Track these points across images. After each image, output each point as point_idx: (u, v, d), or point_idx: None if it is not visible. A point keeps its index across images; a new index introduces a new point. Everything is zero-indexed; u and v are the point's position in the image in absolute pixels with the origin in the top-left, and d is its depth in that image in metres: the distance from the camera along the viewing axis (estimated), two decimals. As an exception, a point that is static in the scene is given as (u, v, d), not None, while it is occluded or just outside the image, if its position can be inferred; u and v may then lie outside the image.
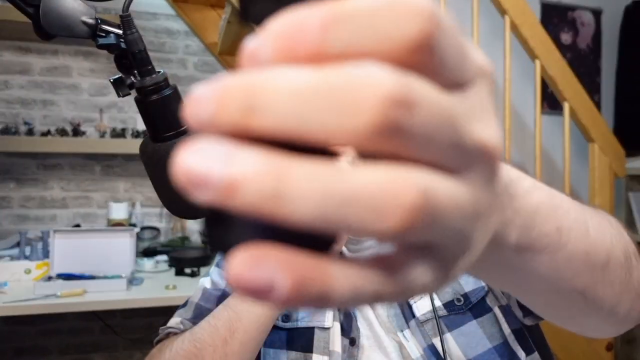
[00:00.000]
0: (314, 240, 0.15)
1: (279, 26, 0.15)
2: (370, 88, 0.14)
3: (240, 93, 0.14)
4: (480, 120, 0.18)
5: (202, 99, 0.14)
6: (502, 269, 0.29)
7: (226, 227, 0.16)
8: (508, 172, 0.26)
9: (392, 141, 0.14)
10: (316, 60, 0.14)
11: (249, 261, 0.14)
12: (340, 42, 0.14)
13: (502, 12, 1.77)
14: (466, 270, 0.22)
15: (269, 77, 0.14)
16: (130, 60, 0.51)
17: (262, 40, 0.15)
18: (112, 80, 0.52)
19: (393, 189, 0.14)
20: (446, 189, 0.16)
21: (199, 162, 0.14)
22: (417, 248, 0.17)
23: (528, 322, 0.69)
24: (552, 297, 0.34)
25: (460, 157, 0.17)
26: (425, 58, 0.15)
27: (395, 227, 0.14)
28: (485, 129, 0.18)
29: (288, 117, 0.14)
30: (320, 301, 0.15)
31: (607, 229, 0.37)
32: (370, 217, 0.14)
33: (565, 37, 2.44)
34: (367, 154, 0.15)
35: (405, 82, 0.14)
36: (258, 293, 0.14)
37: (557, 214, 0.30)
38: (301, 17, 0.14)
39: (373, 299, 0.16)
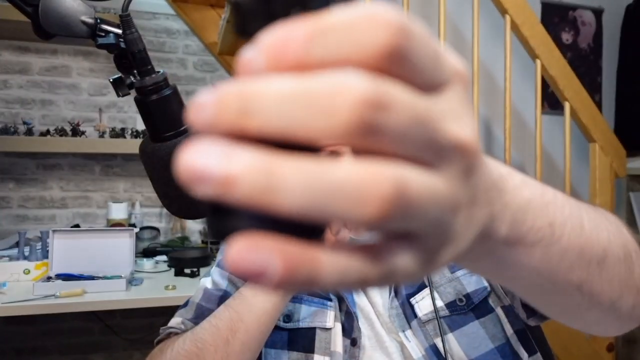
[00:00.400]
0: (306, 229, 0.17)
1: (269, 39, 0.17)
2: (346, 92, 0.16)
3: (235, 98, 0.16)
4: (455, 119, 0.19)
5: (203, 104, 0.17)
6: (495, 262, 0.30)
7: (226, 218, 0.18)
8: (498, 168, 0.27)
9: (368, 139, 0.16)
10: (301, 69, 0.17)
11: (246, 247, 0.16)
12: (321, 52, 0.16)
13: (503, 11, 1.77)
14: (455, 261, 0.24)
15: (260, 85, 0.16)
16: (130, 60, 0.51)
17: (254, 52, 0.17)
18: (111, 80, 0.52)
19: (370, 181, 0.16)
20: (421, 181, 0.17)
21: (199, 160, 0.16)
22: (399, 236, 0.19)
23: (532, 322, 0.69)
24: (548, 291, 0.34)
25: (435, 153, 0.18)
26: (398, 64, 0.17)
27: (373, 215, 0.16)
28: (460, 127, 0.19)
29: (276, 118, 0.16)
30: (310, 283, 0.16)
31: (604, 225, 0.37)
32: (350, 206, 0.16)
33: (566, 37, 2.44)
34: (357, 151, 0.17)
35: (379, 85, 0.16)
36: (253, 276, 0.16)
37: (549, 209, 0.31)
38: (287, 31, 0.17)
39: (359, 283, 0.18)
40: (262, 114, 0.16)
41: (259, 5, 0.19)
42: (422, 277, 0.21)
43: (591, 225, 0.34)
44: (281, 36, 0.17)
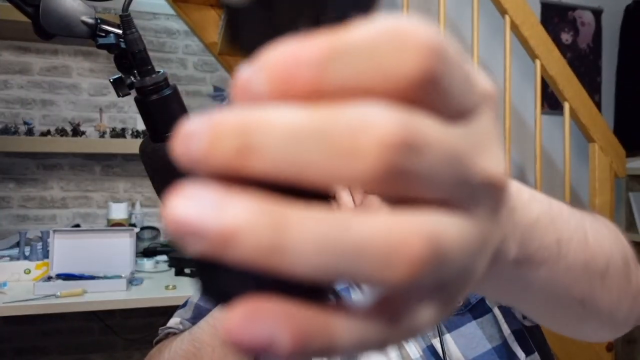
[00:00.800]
0: (311, 287, 0.14)
1: (274, 58, 0.14)
2: (372, 130, 0.13)
3: (235, 131, 0.13)
4: (486, 150, 0.17)
5: (193, 134, 0.14)
6: (501, 283, 0.28)
7: (217, 275, 0.15)
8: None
9: (395, 185, 0.14)
10: (313, 96, 0.14)
11: (246, 317, 0.13)
12: (339, 78, 0.14)
13: (502, 12, 1.77)
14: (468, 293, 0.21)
15: (266, 116, 0.14)
16: (130, 60, 0.51)
17: (256, 73, 0.14)
18: (112, 80, 0.52)
19: (399, 239, 0.13)
20: (454, 230, 0.15)
21: (191, 210, 0.13)
22: (423, 289, 0.16)
23: (527, 323, 0.69)
24: (550, 306, 0.34)
25: (467, 193, 0.16)
26: (429, 93, 0.14)
27: (402, 278, 0.14)
28: (491, 159, 0.17)
29: (285, 159, 0.13)
30: (324, 354, 0.14)
31: (606, 235, 0.36)
32: (374, 268, 0.13)
33: (566, 37, 2.44)
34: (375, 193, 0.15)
35: (409, 122, 0.14)
36: (258, 350, 0.13)
37: (556, 224, 0.29)
38: (298, 49, 0.14)
39: (378, 346, 0.16)
40: (267, 153, 0.13)
41: (258, 12, 0.15)
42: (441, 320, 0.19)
43: (595, 238, 0.34)
44: (288, 55, 0.14)
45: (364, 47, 0.14)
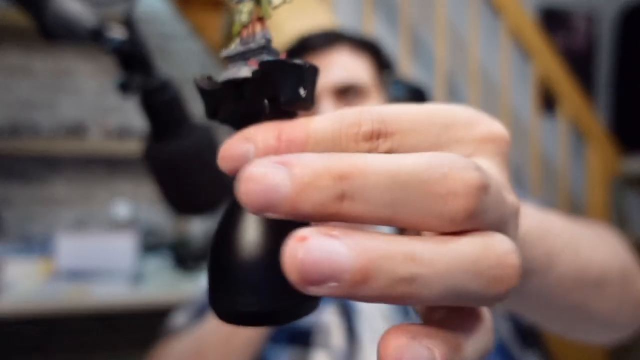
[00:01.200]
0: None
1: (261, 132, 0.17)
2: (461, 176, 0.15)
3: (335, 176, 0.14)
4: (507, 185, 0.20)
5: (267, 180, 0.14)
6: None
7: (241, 291, 0.17)
8: None
9: (470, 222, 0.16)
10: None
11: (406, 345, 0.15)
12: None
13: (500, 14, 1.78)
14: None
15: (364, 163, 0.15)
16: (134, 62, 0.52)
17: (243, 142, 0.17)
18: (115, 82, 0.53)
19: (503, 257, 0.16)
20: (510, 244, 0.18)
21: (323, 255, 0.13)
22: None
23: (527, 321, 0.70)
24: (544, 311, 0.35)
25: (503, 221, 0.19)
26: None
27: (508, 290, 0.16)
28: (510, 192, 0.20)
29: (383, 203, 0.15)
30: None
31: (601, 247, 0.37)
32: (488, 285, 0.15)
33: (563, 39, 2.45)
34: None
35: (479, 167, 0.16)
36: None
37: (546, 238, 0.30)
38: (280, 130, 0.17)
39: (485, 355, 0.17)
40: (367, 198, 0.14)
41: (229, 93, 0.18)
42: None
43: (588, 250, 0.35)
44: (274, 131, 0.17)
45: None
